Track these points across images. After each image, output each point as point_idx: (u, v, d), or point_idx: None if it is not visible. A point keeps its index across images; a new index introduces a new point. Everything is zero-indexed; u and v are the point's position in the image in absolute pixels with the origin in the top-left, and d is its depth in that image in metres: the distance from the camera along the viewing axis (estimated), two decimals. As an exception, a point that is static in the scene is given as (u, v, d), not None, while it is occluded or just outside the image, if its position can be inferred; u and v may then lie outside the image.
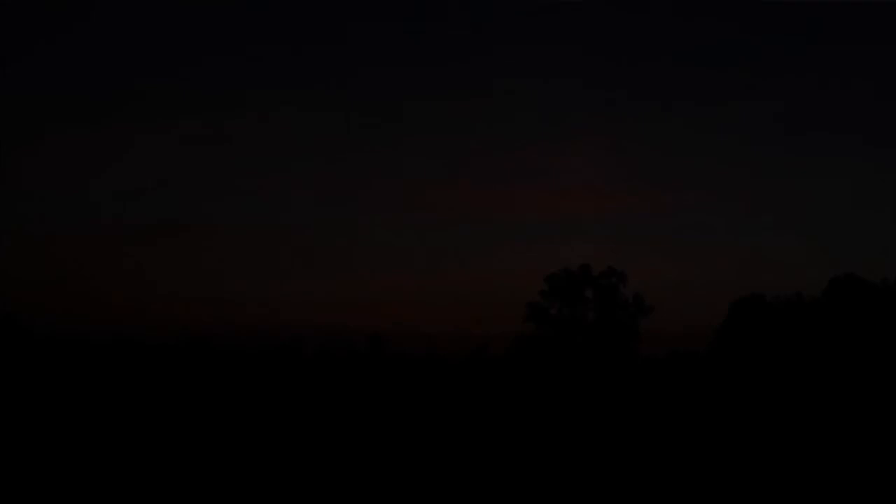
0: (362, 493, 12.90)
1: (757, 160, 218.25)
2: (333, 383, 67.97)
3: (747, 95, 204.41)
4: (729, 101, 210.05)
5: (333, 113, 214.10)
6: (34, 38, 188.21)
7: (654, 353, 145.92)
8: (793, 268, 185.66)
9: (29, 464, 14.38)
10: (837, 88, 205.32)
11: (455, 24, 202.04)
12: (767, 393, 61.03)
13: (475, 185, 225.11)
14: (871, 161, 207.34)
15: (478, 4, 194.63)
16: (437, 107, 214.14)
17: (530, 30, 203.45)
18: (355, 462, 16.17)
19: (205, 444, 18.89)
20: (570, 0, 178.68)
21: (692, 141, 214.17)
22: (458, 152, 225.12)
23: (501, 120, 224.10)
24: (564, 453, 18.23)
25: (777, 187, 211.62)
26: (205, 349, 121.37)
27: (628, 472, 15.35)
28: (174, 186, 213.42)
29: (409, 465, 15.70)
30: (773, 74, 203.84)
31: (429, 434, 22.11)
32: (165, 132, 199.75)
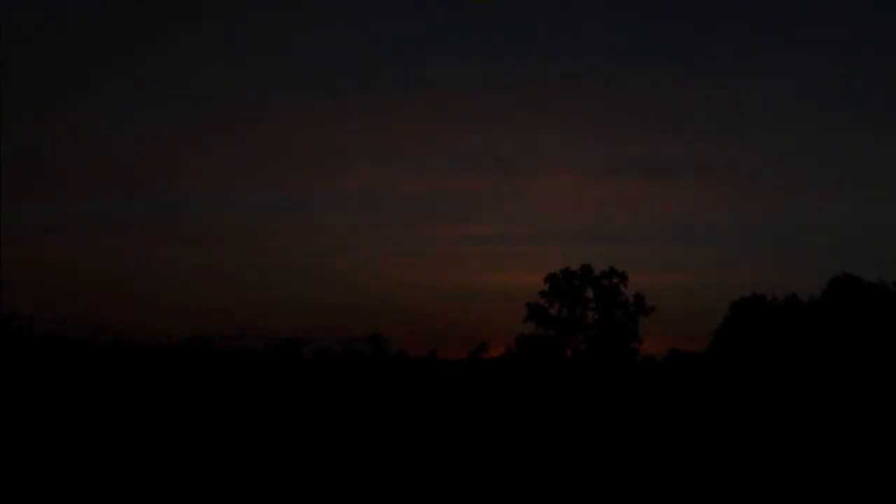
0: (362, 495, 12.93)
1: (757, 160, 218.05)
2: (333, 384, 67.92)
3: (748, 93, 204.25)
4: (729, 99, 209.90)
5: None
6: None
7: (655, 352, 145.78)
8: (793, 268, 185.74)
9: (28, 465, 14.40)
10: (840, 87, 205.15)
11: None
12: (767, 393, 61.01)
13: (472, 181, 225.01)
14: (871, 161, 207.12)
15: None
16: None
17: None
18: (355, 464, 16.20)
19: (205, 445, 18.91)
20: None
21: (692, 141, 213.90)
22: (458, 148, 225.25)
23: (501, 117, 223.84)
24: (563, 455, 18.26)
25: (777, 187, 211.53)
26: (205, 349, 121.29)
27: (628, 474, 15.38)
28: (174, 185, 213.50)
29: (408, 467, 15.74)
30: (774, 71, 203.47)
31: (429, 436, 22.14)
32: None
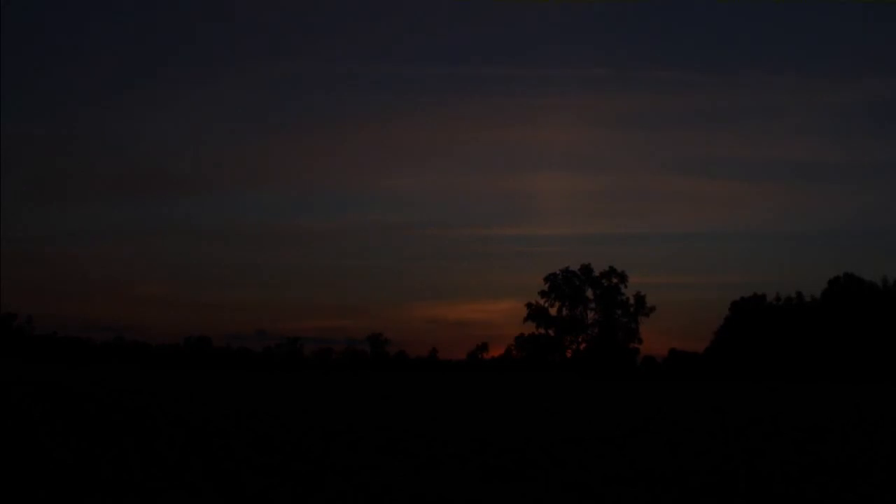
0: (360, 496, 12.97)
1: (757, 161, 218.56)
2: (333, 384, 68.08)
3: (747, 94, 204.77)
4: (728, 99, 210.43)
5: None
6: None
7: (655, 352, 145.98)
8: (793, 268, 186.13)
9: (28, 465, 14.47)
10: (841, 90, 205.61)
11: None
12: (767, 392, 61.15)
13: (474, 180, 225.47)
14: (870, 161, 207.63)
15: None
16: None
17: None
18: (354, 464, 16.24)
19: (205, 444, 18.96)
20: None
21: (693, 142, 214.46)
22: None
23: (504, 116, 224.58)
24: (562, 454, 18.29)
25: (777, 187, 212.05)
26: (205, 349, 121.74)
27: (627, 474, 15.41)
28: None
29: (407, 468, 15.78)
30: (774, 71, 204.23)
31: (428, 435, 22.18)
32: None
